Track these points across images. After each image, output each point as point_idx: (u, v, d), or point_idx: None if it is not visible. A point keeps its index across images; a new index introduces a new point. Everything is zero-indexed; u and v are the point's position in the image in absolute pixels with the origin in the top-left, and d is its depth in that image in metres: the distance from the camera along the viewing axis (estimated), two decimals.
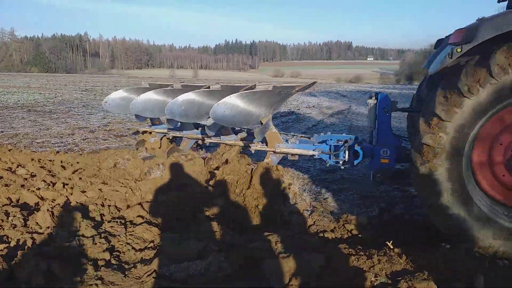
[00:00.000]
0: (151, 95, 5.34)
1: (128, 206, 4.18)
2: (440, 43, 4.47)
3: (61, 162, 5.82)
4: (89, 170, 5.42)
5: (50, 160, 5.91)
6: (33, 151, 6.74)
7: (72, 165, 5.69)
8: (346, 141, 4.56)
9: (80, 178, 5.01)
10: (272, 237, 3.28)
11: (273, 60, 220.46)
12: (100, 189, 4.50)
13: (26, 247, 3.07)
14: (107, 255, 3.05)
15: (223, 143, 5.25)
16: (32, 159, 5.90)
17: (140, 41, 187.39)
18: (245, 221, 4.09)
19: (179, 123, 5.74)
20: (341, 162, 4.60)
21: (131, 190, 4.52)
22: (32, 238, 3.21)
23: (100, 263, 2.95)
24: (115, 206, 4.15)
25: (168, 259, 2.95)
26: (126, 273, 2.84)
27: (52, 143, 7.97)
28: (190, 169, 5.15)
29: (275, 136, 4.76)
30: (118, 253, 3.15)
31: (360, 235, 3.82)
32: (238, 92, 4.38)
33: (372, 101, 4.61)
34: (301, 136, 5.08)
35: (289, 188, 4.67)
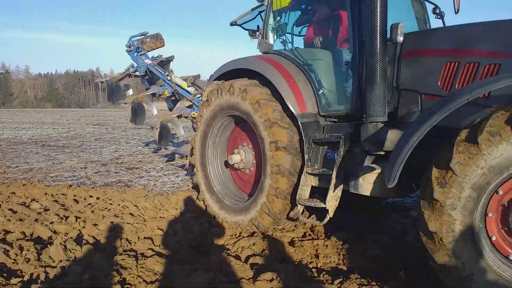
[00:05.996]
0: None
1: (138, 239, 4.23)
2: None
3: (74, 195, 5.93)
4: (100, 204, 5.50)
5: (63, 194, 6.02)
6: (47, 186, 6.87)
7: (85, 198, 5.78)
8: None
9: (92, 212, 5.09)
10: (281, 268, 3.28)
11: None
12: (112, 222, 4.57)
13: (39, 281, 3.12)
14: None
15: None
16: (46, 194, 6.02)
17: None
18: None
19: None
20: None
21: (143, 222, 4.57)
22: (45, 272, 3.26)
23: None
24: (127, 239, 4.20)
25: None
26: None
27: (65, 177, 8.11)
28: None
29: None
30: (129, 286, 3.17)
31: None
32: None
33: None
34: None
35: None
